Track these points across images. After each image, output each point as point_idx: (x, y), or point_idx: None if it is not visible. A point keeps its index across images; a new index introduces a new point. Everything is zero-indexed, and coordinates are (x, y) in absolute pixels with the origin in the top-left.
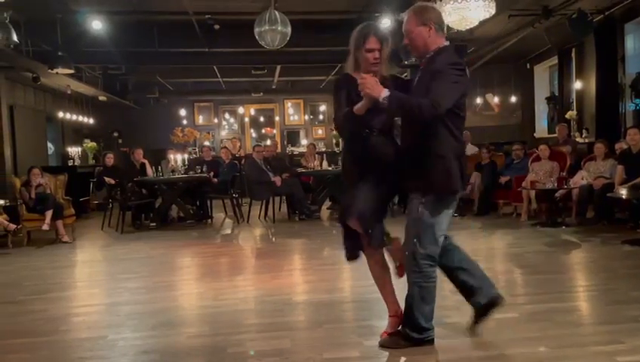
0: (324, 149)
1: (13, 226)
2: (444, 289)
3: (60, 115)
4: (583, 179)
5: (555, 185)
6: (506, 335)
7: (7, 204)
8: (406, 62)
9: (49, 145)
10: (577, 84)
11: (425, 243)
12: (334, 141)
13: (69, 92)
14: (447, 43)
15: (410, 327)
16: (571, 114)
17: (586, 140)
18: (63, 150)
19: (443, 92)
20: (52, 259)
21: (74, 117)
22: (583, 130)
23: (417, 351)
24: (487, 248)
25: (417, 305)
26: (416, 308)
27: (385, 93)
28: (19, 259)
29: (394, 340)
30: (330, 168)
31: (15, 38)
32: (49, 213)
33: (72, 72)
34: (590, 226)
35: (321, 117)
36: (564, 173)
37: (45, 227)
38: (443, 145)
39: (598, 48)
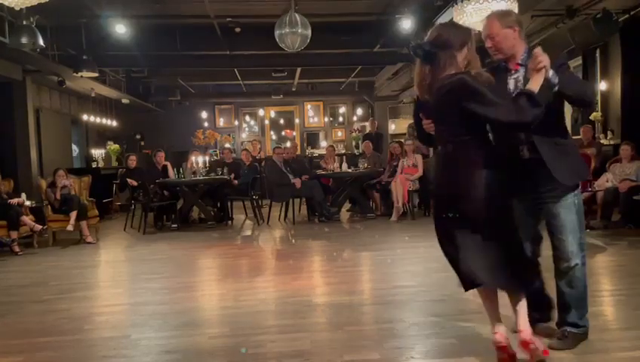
0: (343, 151)
1: (39, 227)
2: (467, 293)
3: (85, 117)
4: (608, 181)
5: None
6: None
7: (34, 205)
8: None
9: (74, 147)
10: (602, 85)
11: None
12: (354, 143)
13: (93, 95)
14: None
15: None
16: (596, 115)
17: (612, 142)
18: (87, 152)
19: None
20: (77, 259)
21: (98, 120)
22: (608, 132)
23: (440, 354)
24: None
25: None
26: None
27: (551, 70)
28: (44, 259)
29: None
30: (349, 170)
31: (41, 42)
32: (74, 214)
33: (96, 75)
34: (616, 229)
35: (340, 119)
36: (589, 176)
37: (70, 228)
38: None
39: (624, 48)
